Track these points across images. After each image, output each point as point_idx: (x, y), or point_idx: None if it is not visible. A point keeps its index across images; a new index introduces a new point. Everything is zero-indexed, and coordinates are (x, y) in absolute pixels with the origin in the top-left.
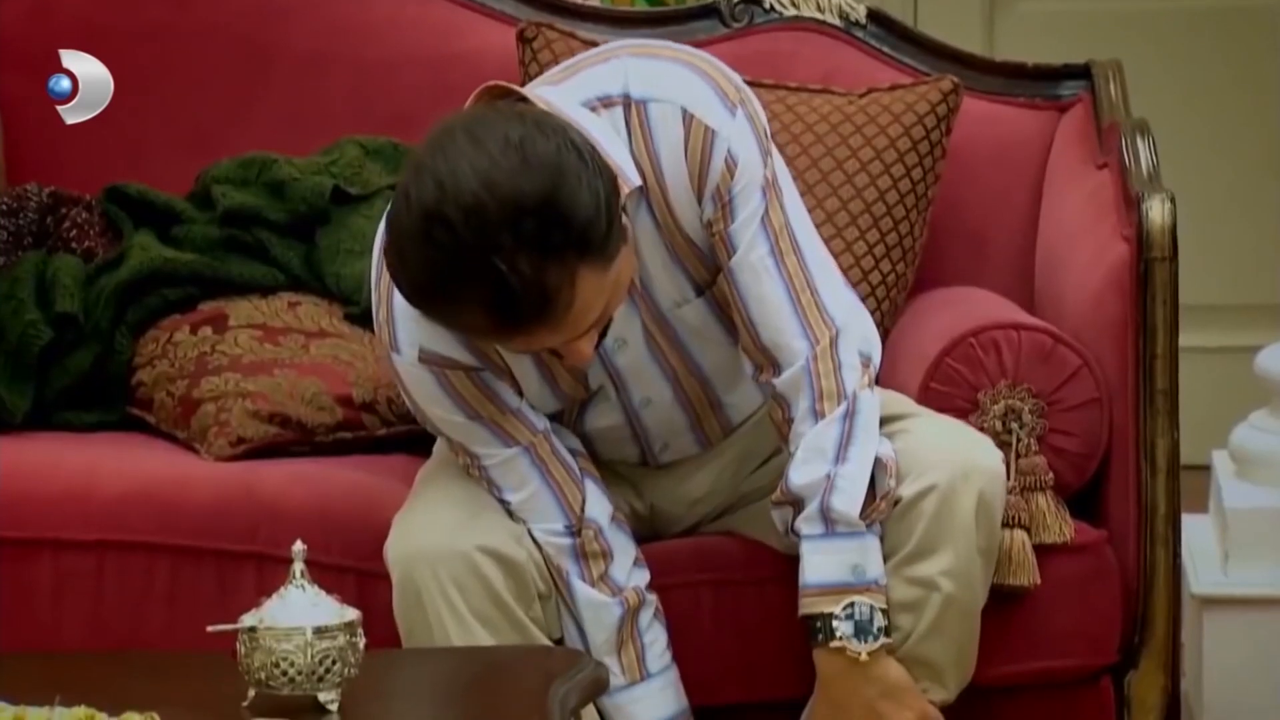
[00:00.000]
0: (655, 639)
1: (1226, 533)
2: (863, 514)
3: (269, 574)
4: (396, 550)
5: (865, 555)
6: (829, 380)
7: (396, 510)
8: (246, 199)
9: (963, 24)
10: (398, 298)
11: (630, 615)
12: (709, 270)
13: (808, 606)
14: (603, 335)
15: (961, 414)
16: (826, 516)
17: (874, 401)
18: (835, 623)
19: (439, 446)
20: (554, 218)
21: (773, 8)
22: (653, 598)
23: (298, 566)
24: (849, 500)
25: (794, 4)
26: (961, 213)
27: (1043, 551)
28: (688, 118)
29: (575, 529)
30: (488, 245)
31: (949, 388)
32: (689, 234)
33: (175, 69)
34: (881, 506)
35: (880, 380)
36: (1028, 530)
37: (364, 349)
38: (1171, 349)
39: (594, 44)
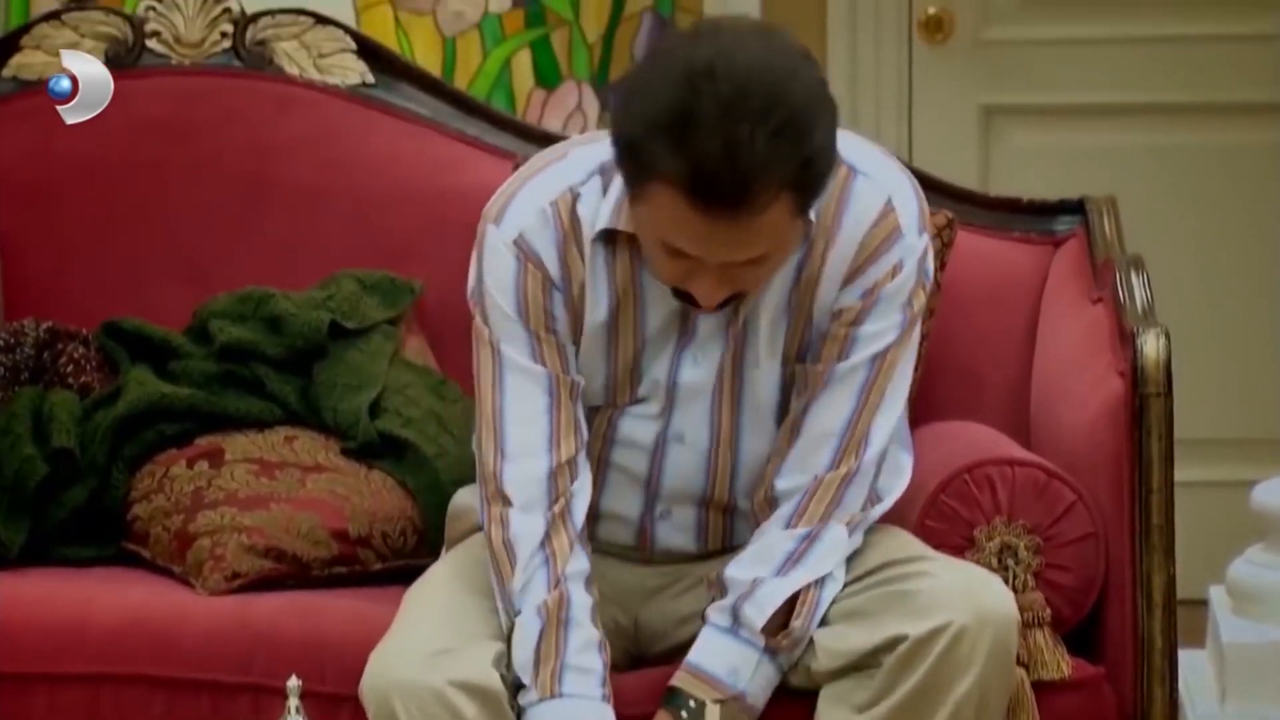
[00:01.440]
0: (589, 667)
1: (1224, 669)
2: (764, 630)
3: (265, 705)
4: (371, 681)
5: (747, 665)
6: (818, 505)
7: None
8: (244, 334)
9: (957, 158)
10: (536, 181)
11: (552, 626)
12: (802, 346)
13: (680, 680)
14: (727, 304)
15: (957, 550)
16: (735, 615)
17: (844, 542)
18: (691, 703)
19: (430, 572)
20: (802, 132)
21: None
22: (586, 618)
23: (293, 703)
24: (759, 612)
25: None
26: (956, 347)
27: (1040, 688)
28: (888, 207)
29: (554, 477)
30: (741, 112)
31: (944, 524)
32: (815, 306)
33: (173, 203)
34: (784, 643)
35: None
36: (1026, 667)
37: (360, 483)
38: (1167, 484)
39: None
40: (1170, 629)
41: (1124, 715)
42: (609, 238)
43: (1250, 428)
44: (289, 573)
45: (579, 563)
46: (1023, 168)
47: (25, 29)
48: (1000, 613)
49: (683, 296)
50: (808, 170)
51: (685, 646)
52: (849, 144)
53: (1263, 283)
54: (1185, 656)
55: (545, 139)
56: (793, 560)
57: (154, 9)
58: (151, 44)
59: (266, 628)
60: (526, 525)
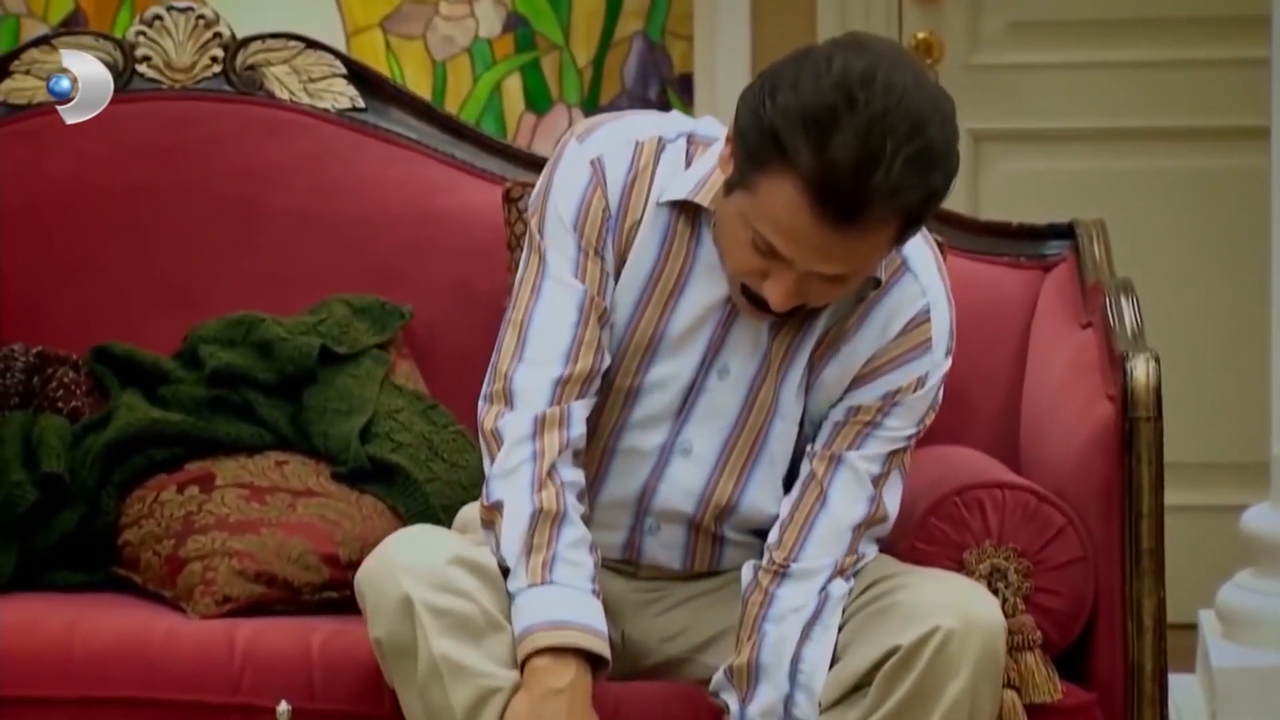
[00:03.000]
0: (580, 561)
1: (1214, 692)
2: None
3: None
4: (371, 565)
5: None
6: (838, 576)
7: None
8: (234, 359)
9: None
10: (630, 119)
11: (545, 519)
12: (814, 412)
13: None
14: (790, 316)
15: None
16: (788, 708)
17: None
18: None
19: None
20: (934, 164)
21: None
22: (578, 518)
23: None
24: (809, 700)
25: None
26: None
27: (1032, 712)
28: (925, 316)
29: (560, 384)
30: (887, 128)
31: (934, 547)
32: (823, 375)
33: (163, 228)
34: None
35: None
36: (1018, 690)
37: (351, 508)
38: (1157, 508)
39: None
40: (1160, 653)
41: None
42: (680, 209)
43: (1240, 452)
44: (280, 597)
45: (574, 475)
46: (1012, 192)
47: (15, 54)
48: (987, 617)
49: (749, 295)
50: (925, 205)
51: (672, 663)
52: (913, 245)
53: (1252, 307)
54: (1175, 681)
55: (536, 163)
56: (812, 625)
57: (144, 33)
58: (142, 68)
59: (255, 649)
60: (518, 419)
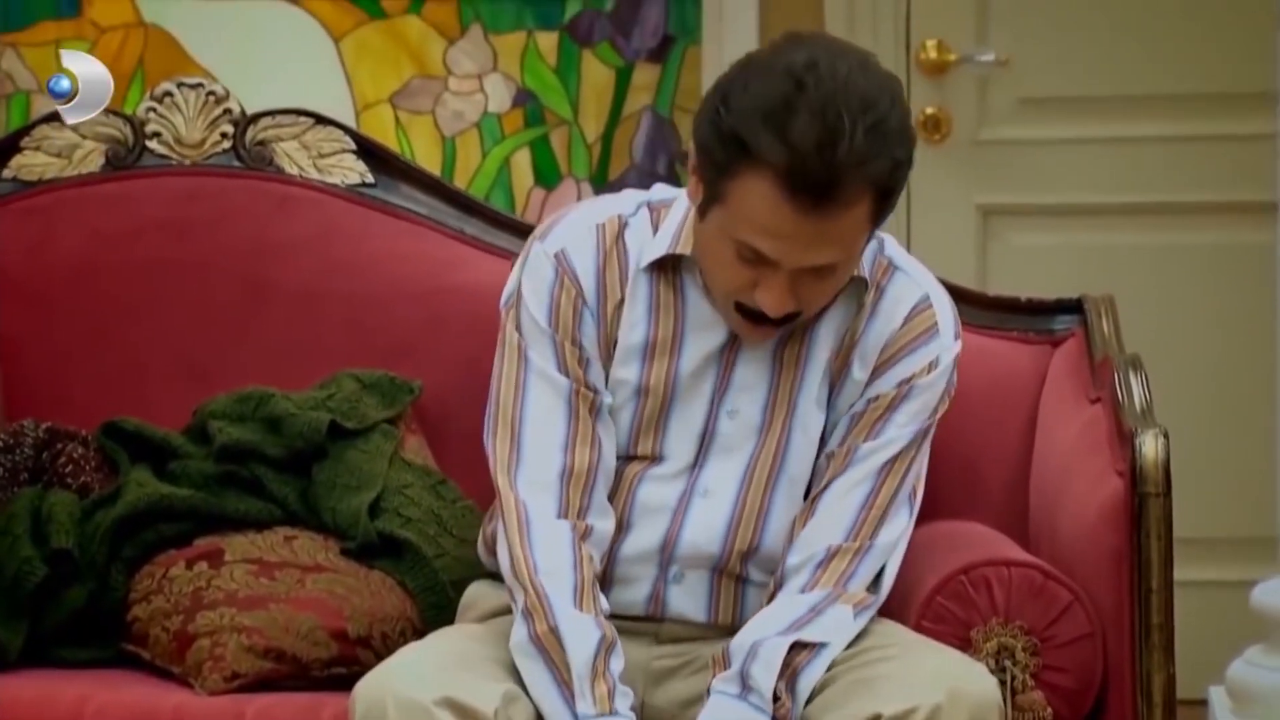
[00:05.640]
0: (627, 691)
1: None
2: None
3: None
4: (367, 687)
5: None
6: (830, 575)
7: None
8: (243, 434)
9: (955, 257)
10: (587, 206)
11: (606, 647)
12: (828, 426)
13: None
14: (785, 321)
15: None
16: (744, 680)
17: (849, 624)
18: None
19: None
20: (894, 133)
21: None
22: (619, 646)
23: None
24: (766, 671)
25: None
26: (955, 446)
27: None
28: (926, 304)
29: (565, 479)
30: (842, 104)
31: (941, 625)
32: (845, 385)
33: (172, 303)
34: (782, 711)
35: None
36: None
37: (360, 583)
38: (1167, 583)
39: None
40: None
41: None
42: (659, 266)
43: (1249, 527)
44: (289, 673)
45: (604, 603)
46: (1021, 267)
47: (26, 130)
48: (976, 693)
49: (745, 312)
50: (893, 175)
51: None
52: (891, 245)
53: (1260, 382)
54: None
55: None
56: (796, 625)
57: (154, 110)
58: (152, 144)
59: None
60: (540, 512)
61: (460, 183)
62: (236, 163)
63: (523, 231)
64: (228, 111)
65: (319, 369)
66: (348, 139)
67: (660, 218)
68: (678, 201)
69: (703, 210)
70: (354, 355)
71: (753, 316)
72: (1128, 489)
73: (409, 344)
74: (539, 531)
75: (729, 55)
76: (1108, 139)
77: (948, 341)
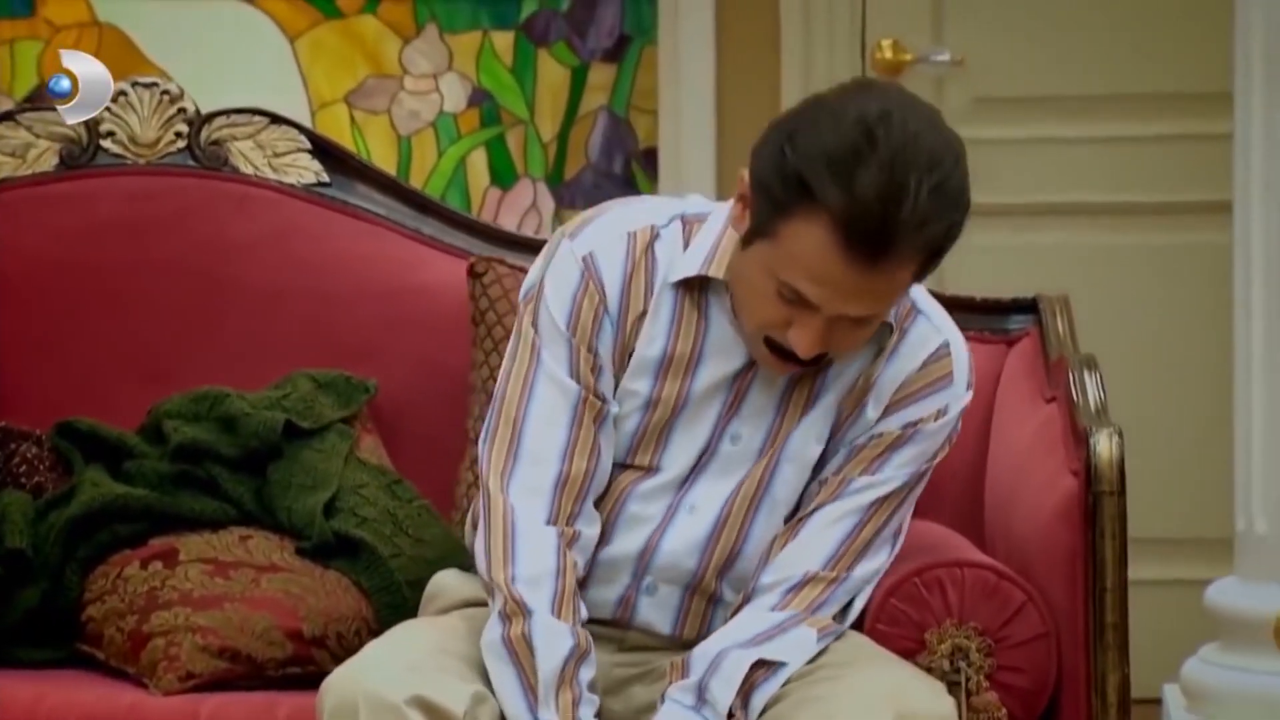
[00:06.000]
0: (593, 699)
1: None
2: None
3: None
4: (337, 684)
5: None
6: (801, 600)
7: None
8: (198, 434)
9: None
10: (620, 211)
11: (578, 656)
12: (826, 455)
13: None
14: (813, 361)
15: (909, 654)
16: (700, 692)
17: (811, 645)
18: None
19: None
20: (955, 196)
21: None
22: (592, 654)
23: None
24: (726, 687)
25: None
26: None
27: None
28: (945, 350)
29: (559, 486)
30: (910, 161)
31: (895, 628)
32: (854, 422)
33: (128, 303)
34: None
35: None
36: None
37: (315, 583)
38: (1121, 583)
39: None
40: None
41: None
42: (686, 284)
43: (1204, 527)
44: (243, 673)
45: (583, 611)
46: (976, 266)
47: None
48: (924, 712)
49: (774, 348)
50: (946, 238)
51: None
52: (915, 288)
53: (1215, 382)
54: None
55: (501, 238)
56: (758, 640)
57: (109, 109)
58: (106, 144)
59: None
60: (528, 517)
61: (416, 182)
62: (191, 162)
63: (479, 231)
64: (182, 111)
65: (276, 369)
66: (303, 138)
67: (692, 232)
68: (712, 217)
69: (747, 240)
70: (311, 355)
71: (781, 353)
72: (1082, 488)
73: (365, 344)
74: (525, 538)
75: (685, 55)
76: (1063, 139)
77: (959, 391)
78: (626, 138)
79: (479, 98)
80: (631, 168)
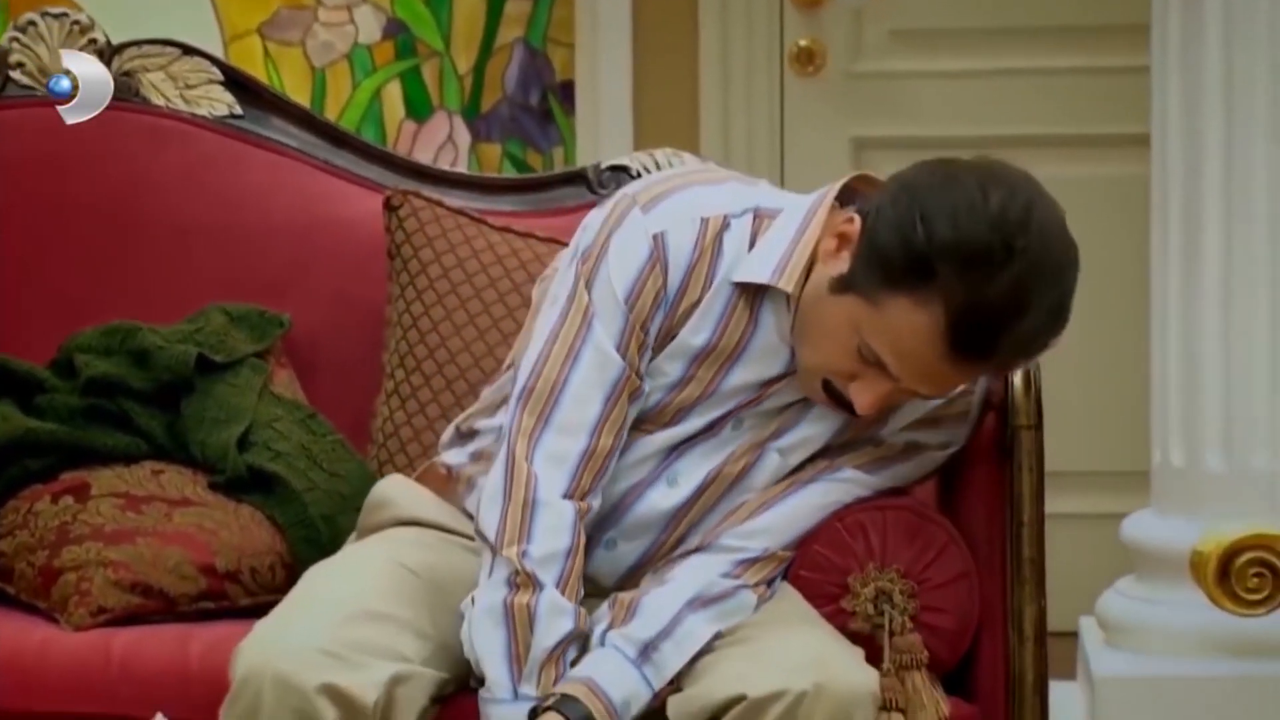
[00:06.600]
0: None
1: (1095, 701)
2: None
3: None
4: (249, 660)
5: (638, 703)
6: (758, 574)
7: None
8: (110, 368)
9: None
10: (697, 190)
11: (574, 638)
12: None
13: (578, 691)
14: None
15: (832, 599)
16: (646, 651)
17: (750, 609)
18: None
19: (340, 556)
20: (1065, 316)
21: (639, 175)
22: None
23: None
24: (678, 654)
25: (660, 170)
26: None
27: None
28: (971, 386)
29: (584, 458)
30: (1037, 278)
31: (819, 574)
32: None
33: (40, 237)
34: (665, 690)
35: None
36: (904, 712)
37: (228, 517)
38: (1038, 516)
39: (461, 212)
40: (1041, 662)
41: None
42: (744, 288)
43: (1121, 460)
44: (156, 608)
45: (582, 590)
46: None
47: None
48: (842, 684)
49: (830, 392)
50: (1040, 353)
51: None
52: None
53: (1132, 316)
54: (1058, 689)
55: (417, 171)
56: (707, 601)
57: (18, 40)
58: (16, 75)
59: (131, 660)
60: (550, 488)
61: (331, 115)
62: None
63: (394, 164)
64: (93, 41)
65: (190, 304)
66: (215, 70)
67: (761, 229)
68: (784, 215)
69: (841, 287)
70: (224, 289)
71: (836, 398)
72: (999, 422)
73: (280, 277)
74: (544, 512)
75: None
76: (981, 71)
77: (966, 431)
78: (543, 70)
79: (394, 29)
80: (548, 101)
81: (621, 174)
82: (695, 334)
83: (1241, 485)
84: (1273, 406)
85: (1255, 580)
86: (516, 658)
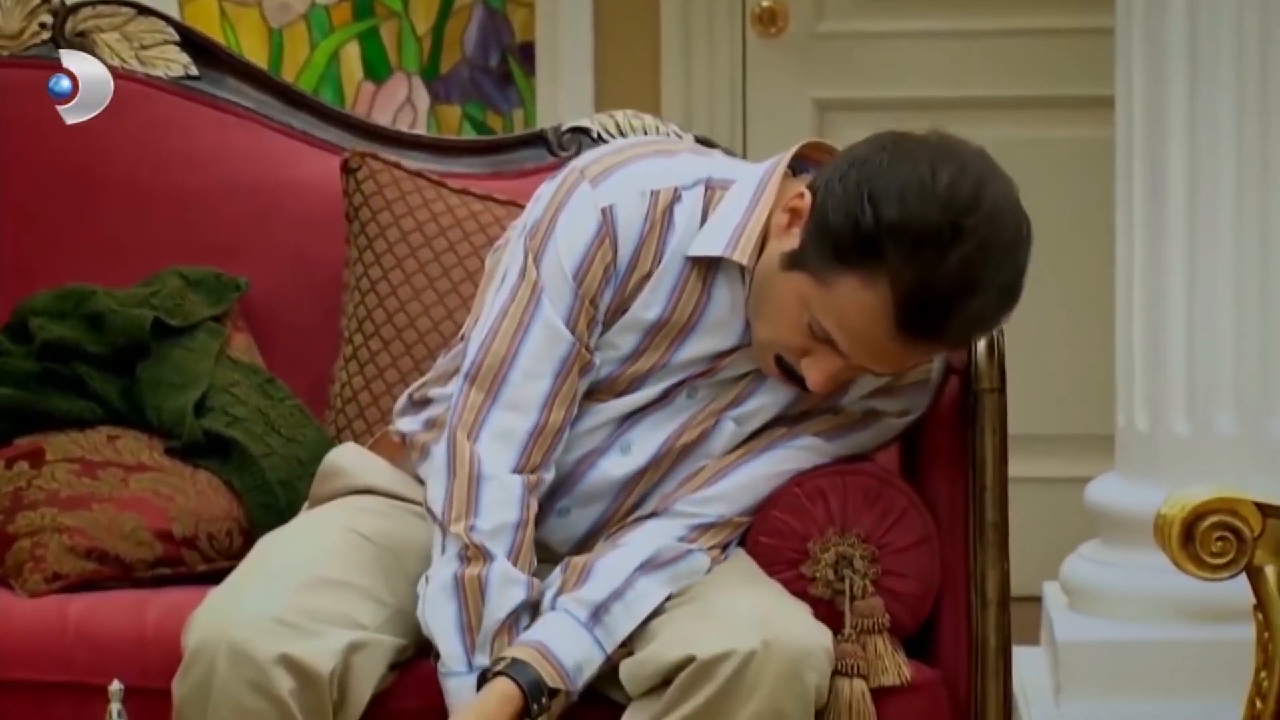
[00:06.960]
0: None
1: (1058, 665)
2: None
3: (88, 704)
4: (201, 631)
5: (590, 667)
6: (713, 539)
7: None
8: (64, 332)
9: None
10: (646, 164)
11: (525, 607)
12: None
13: (528, 656)
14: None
15: (792, 565)
16: (598, 614)
17: (702, 571)
18: (546, 685)
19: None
20: (1015, 296)
21: (600, 137)
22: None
23: (114, 707)
24: (629, 617)
25: (621, 132)
26: None
27: (879, 695)
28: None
29: (532, 435)
30: (986, 258)
31: (778, 540)
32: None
33: None
34: (618, 653)
35: None
36: (865, 678)
37: (185, 483)
38: (1001, 480)
39: (419, 175)
40: (1004, 627)
41: (959, 716)
42: (697, 260)
43: (1084, 424)
44: (112, 574)
45: (534, 560)
46: None
47: None
48: (791, 640)
49: (783, 367)
50: (993, 330)
51: None
52: None
53: (1096, 278)
54: (1020, 654)
55: (375, 133)
56: (659, 564)
57: None
58: None
59: (87, 627)
60: (495, 463)
61: (288, 76)
62: (56, 54)
63: (352, 126)
64: (47, 1)
65: (145, 267)
66: (171, 30)
67: (713, 201)
68: (736, 187)
69: (791, 264)
70: (180, 252)
71: (789, 372)
72: (962, 385)
73: (237, 240)
74: (490, 487)
75: None
76: (945, 32)
77: (926, 399)
78: (503, 31)
79: None
80: (508, 62)
81: (582, 135)
82: (647, 308)
83: (1206, 449)
84: (1237, 370)
85: (1219, 544)
86: (469, 628)
